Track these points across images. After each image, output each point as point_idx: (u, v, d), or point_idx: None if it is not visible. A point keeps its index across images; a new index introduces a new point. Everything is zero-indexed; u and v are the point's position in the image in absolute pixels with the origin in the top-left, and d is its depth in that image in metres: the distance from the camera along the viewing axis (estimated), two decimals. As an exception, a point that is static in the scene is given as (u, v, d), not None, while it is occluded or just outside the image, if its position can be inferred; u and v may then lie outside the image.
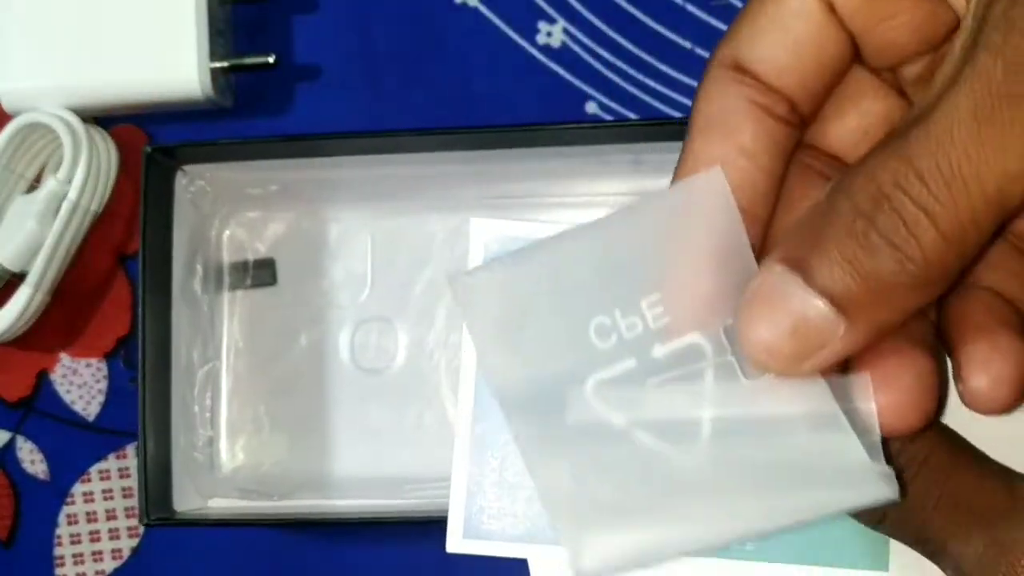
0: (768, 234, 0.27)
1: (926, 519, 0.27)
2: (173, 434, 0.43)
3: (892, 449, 0.27)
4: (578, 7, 0.48)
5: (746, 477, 0.26)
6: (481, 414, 0.31)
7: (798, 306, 0.24)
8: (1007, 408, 0.26)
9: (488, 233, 0.31)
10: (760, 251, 0.26)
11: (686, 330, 0.26)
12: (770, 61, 0.26)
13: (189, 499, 0.44)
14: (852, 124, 0.29)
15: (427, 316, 0.46)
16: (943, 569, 0.27)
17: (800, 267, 0.24)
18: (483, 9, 0.48)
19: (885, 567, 0.30)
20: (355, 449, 0.46)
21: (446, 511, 0.41)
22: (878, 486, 0.25)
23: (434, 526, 0.46)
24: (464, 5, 0.49)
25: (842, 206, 0.23)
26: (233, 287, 0.46)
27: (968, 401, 0.26)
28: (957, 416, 0.29)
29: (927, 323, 0.27)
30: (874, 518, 0.28)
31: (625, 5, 0.48)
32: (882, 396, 0.26)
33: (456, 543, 0.31)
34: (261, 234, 0.46)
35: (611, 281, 0.26)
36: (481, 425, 0.31)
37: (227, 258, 0.46)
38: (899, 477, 0.26)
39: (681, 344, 0.26)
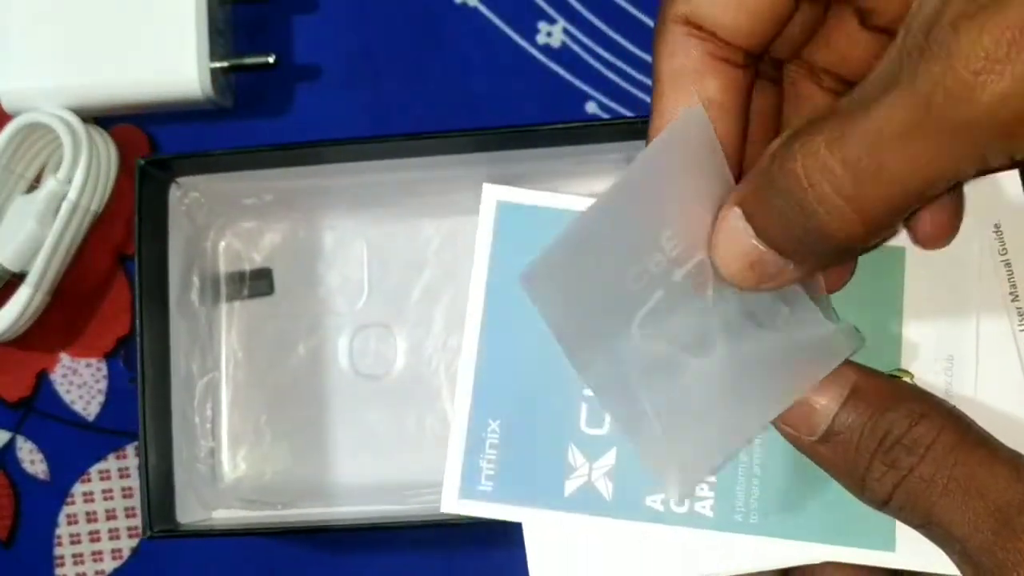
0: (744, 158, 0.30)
1: (932, 503, 0.27)
2: (175, 446, 0.43)
3: (897, 432, 0.27)
4: (578, 7, 0.48)
5: (758, 369, 0.28)
6: (483, 375, 0.31)
7: (749, 248, 0.26)
8: (947, 242, 0.29)
9: (499, 199, 0.32)
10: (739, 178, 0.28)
11: (694, 252, 0.28)
12: (720, 16, 0.28)
13: (192, 510, 0.44)
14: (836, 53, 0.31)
15: (425, 321, 0.46)
16: (949, 554, 0.27)
17: (751, 219, 0.26)
18: (483, 9, 0.48)
19: (892, 547, 0.30)
20: (356, 456, 0.46)
21: (447, 517, 0.42)
22: (846, 341, 0.28)
23: (436, 531, 0.46)
24: (464, 5, 0.48)
25: (781, 174, 0.25)
26: (230, 298, 0.46)
27: (918, 240, 0.29)
28: (966, 401, 0.29)
29: None
30: (879, 500, 0.28)
31: (625, 5, 0.48)
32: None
33: (451, 504, 0.31)
34: (257, 244, 0.46)
35: (636, 233, 0.28)
36: (483, 386, 0.31)
37: (223, 269, 0.46)
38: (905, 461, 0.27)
39: (692, 264, 0.28)
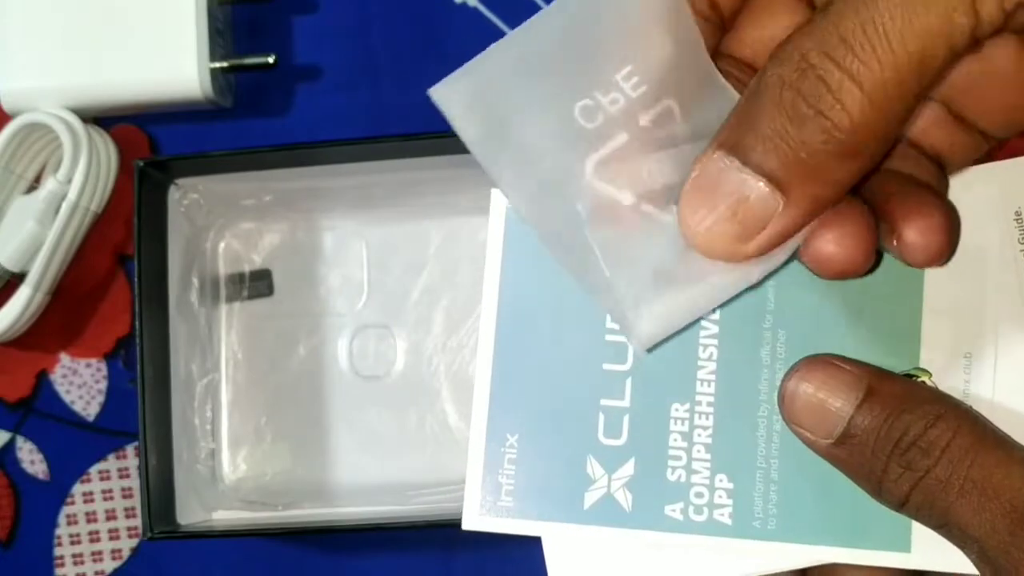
0: None
1: (949, 505, 0.27)
2: (175, 447, 0.43)
3: (914, 433, 0.27)
4: (579, 8, 0.48)
5: None
6: (499, 391, 0.31)
7: (736, 188, 0.24)
8: (942, 256, 0.27)
9: (509, 206, 0.31)
10: None
11: (662, 97, 0.27)
12: None
13: (193, 512, 0.44)
14: (767, 33, 0.29)
15: (425, 321, 0.46)
16: (967, 554, 0.27)
17: (735, 150, 0.24)
18: (483, 9, 0.48)
19: (907, 547, 0.30)
20: (357, 456, 0.46)
21: (449, 516, 0.42)
22: None
23: (438, 531, 0.46)
24: (464, 5, 0.48)
25: (770, 80, 0.24)
26: (230, 299, 0.46)
27: (906, 255, 0.27)
28: (984, 400, 0.30)
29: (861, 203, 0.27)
30: (897, 501, 0.28)
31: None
32: (828, 239, 0.26)
33: (472, 520, 0.31)
34: (256, 245, 0.46)
35: (583, 64, 0.27)
36: (499, 400, 0.31)
37: (223, 270, 0.46)
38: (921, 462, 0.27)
39: (660, 108, 0.27)
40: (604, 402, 0.30)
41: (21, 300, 0.46)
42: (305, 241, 0.46)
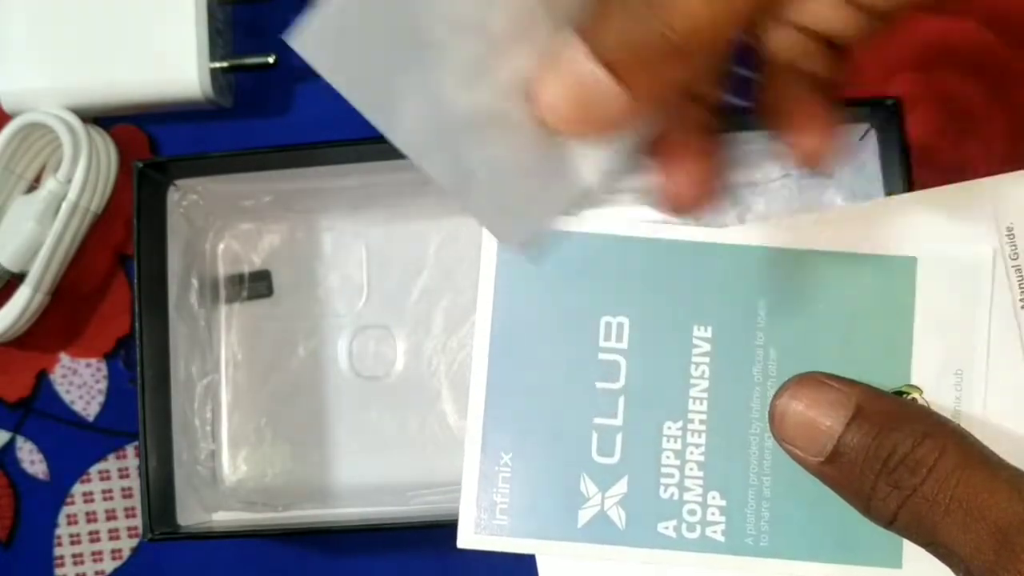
0: None
1: (936, 523, 0.27)
2: (175, 448, 0.44)
3: (902, 452, 0.27)
4: (579, 8, 0.48)
5: None
6: (492, 409, 0.31)
7: (579, 70, 0.24)
8: (825, 163, 0.27)
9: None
10: None
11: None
12: None
13: (193, 513, 0.44)
14: None
15: (424, 322, 0.46)
16: (955, 572, 0.27)
17: (585, 35, 0.24)
18: (484, 9, 0.48)
19: (898, 564, 0.30)
20: (357, 457, 0.46)
21: (449, 516, 0.41)
22: None
23: (437, 531, 0.46)
24: (465, 5, 0.48)
25: None
26: (230, 300, 0.46)
27: (804, 162, 0.27)
28: (975, 419, 0.30)
29: (703, 111, 0.27)
30: (885, 519, 0.28)
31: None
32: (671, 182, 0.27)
33: (467, 539, 0.31)
34: (256, 246, 0.46)
35: None
36: (493, 419, 0.31)
37: (223, 271, 0.46)
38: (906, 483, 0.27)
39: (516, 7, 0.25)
40: (597, 420, 0.31)
41: (21, 300, 0.46)
42: (305, 242, 0.46)
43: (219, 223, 0.46)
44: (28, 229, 0.46)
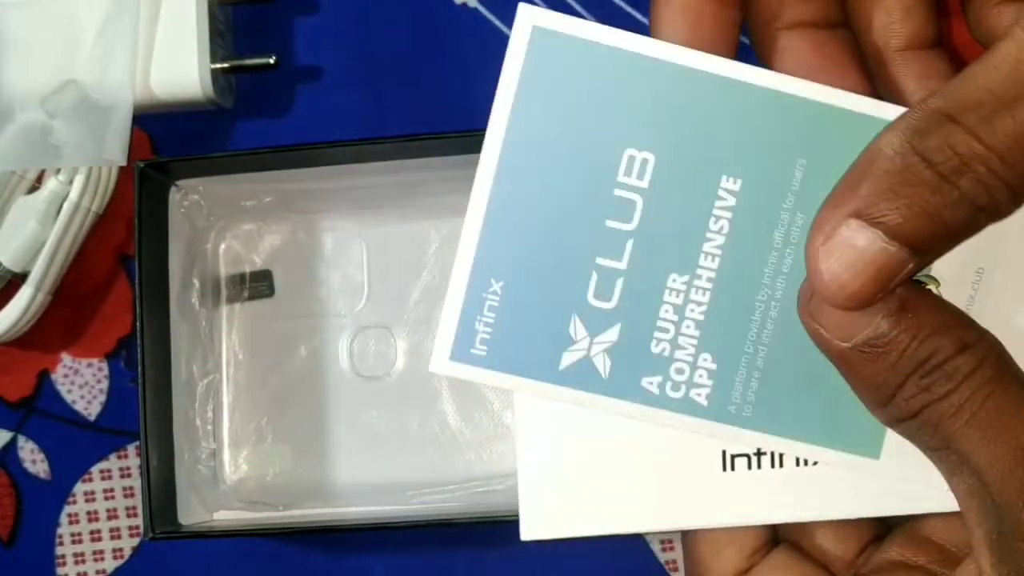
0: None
1: (956, 430, 0.27)
2: (176, 448, 0.44)
3: (942, 356, 0.27)
4: (577, 7, 0.48)
5: None
6: (491, 230, 0.29)
7: (879, 255, 0.25)
8: None
9: (536, 24, 0.29)
10: None
11: None
12: None
13: (194, 512, 0.44)
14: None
15: (425, 322, 0.46)
16: (955, 482, 0.27)
17: (879, 221, 0.25)
18: (483, 10, 0.48)
19: (877, 455, 0.29)
20: (357, 456, 0.46)
21: (450, 515, 0.42)
22: None
23: (438, 531, 0.46)
24: (464, 6, 0.48)
25: (916, 162, 0.25)
26: (231, 300, 0.46)
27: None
28: (987, 316, 0.29)
29: None
30: (903, 416, 0.27)
31: (624, 6, 0.48)
32: None
33: (441, 365, 0.29)
34: (257, 246, 0.46)
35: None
36: (489, 241, 0.29)
37: (224, 271, 0.46)
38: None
39: None
40: (600, 261, 0.29)
41: (23, 300, 0.46)
42: (306, 242, 0.46)
43: (220, 223, 0.46)
44: (30, 229, 0.46)
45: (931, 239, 0.25)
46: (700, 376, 0.29)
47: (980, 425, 0.26)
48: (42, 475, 0.49)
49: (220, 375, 0.46)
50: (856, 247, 0.26)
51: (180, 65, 0.45)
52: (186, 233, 0.45)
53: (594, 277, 0.29)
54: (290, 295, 0.46)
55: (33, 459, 0.49)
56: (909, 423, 0.27)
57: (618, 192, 0.29)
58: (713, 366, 0.29)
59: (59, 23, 0.46)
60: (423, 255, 0.46)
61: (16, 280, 0.46)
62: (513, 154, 0.29)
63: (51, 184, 0.46)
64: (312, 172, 0.44)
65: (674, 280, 0.29)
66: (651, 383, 0.29)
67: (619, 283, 0.29)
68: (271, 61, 0.47)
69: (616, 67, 0.28)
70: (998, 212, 0.25)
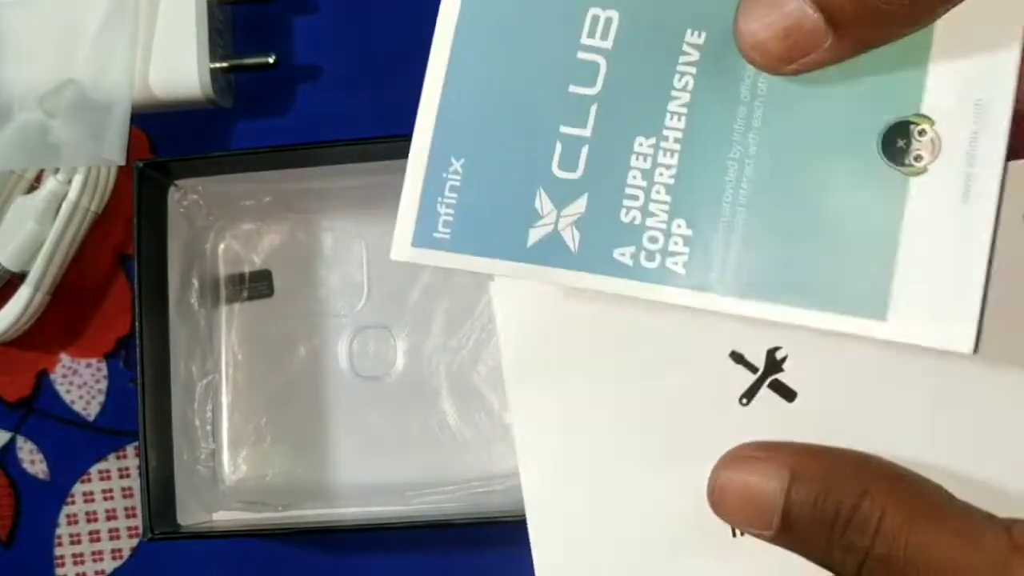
0: None
1: None
2: (175, 448, 0.43)
3: (845, 514, 0.27)
4: (579, 8, 0.48)
5: None
6: (448, 106, 0.27)
7: (793, 12, 0.25)
8: None
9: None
10: None
11: None
12: None
13: (193, 512, 0.44)
14: None
15: (424, 322, 0.46)
16: None
17: None
18: (484, 10, 0.48)
19: (883, 315, 0.27)
20: (357, 457, 0.46)
21: (450, 516, 0.42)
22: None
23: (437, 531, 0.46)
24: (465, 5, 0.48)
25: None
26: (230, 300, 0.46)
27: None
28: (990, 154, 0.27)
29: None
30: (852, 573, 0.27)
31: (626, 6, 0.48)
32: None
33: (403, 251, 0.28)
34: (256, 246, 0.46)
35: None
36: (447, 117, 0.28)
37: (223, 271, 0.46)
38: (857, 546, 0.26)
39: None
40: (564, 129, 0.27)
41: (21, 300, 0.46)
42: (305, 242, 0.46)
43: (220, 223, 0.46)
44: (28, 229, 0.46)
45: (849, 13, 0.24)
46: (675, 243, 0.27)
47: (913, 573, 0.26)
48: (41, 475, 0.49)
49: (219, 375, 0.46)
50: (777, 3, 0.25)
51: (179, 64, 0.45)
52: (185, 233, 0.45)
53: (558, 147, 0.27)
54: (289, 295, 0.46)
55: (32, 459, 0.49)
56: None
57: (581, 55, 0.27)
58: (688, 232, 0.27)
59: (58, 22, 0.46)
60: (423, 255, 0.46)
61: (15, 280, 0.46)
62: (470, 20, 0.27)
63: (50, 184, 0.46)
64: (312, 172, 0.44)
65: (640, 144, 0.27)
66: (623, 254, 0.27)
67: (584, 151, 0.27)
68: (270, 61, 0.47)
69: None
70: (915, 12, 0.24)
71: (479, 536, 0.47)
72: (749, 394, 0.30)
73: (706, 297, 0.27)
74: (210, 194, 0.45)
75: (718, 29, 0.27)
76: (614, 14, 0.27)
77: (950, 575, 0.26)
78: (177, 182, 0.44)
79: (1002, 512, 0.27)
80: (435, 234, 0.28)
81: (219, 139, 0.48)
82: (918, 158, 0.27)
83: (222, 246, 0.46)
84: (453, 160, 0.27)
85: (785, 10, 0.25)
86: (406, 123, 0.48)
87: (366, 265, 0.46)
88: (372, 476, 0.45)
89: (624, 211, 0.27)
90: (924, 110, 0.27)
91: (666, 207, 0.27)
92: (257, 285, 0.46)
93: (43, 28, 0.46)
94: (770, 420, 0.30)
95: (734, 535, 0.30)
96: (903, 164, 0.27)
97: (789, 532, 0.27)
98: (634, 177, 0.27)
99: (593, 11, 0.27)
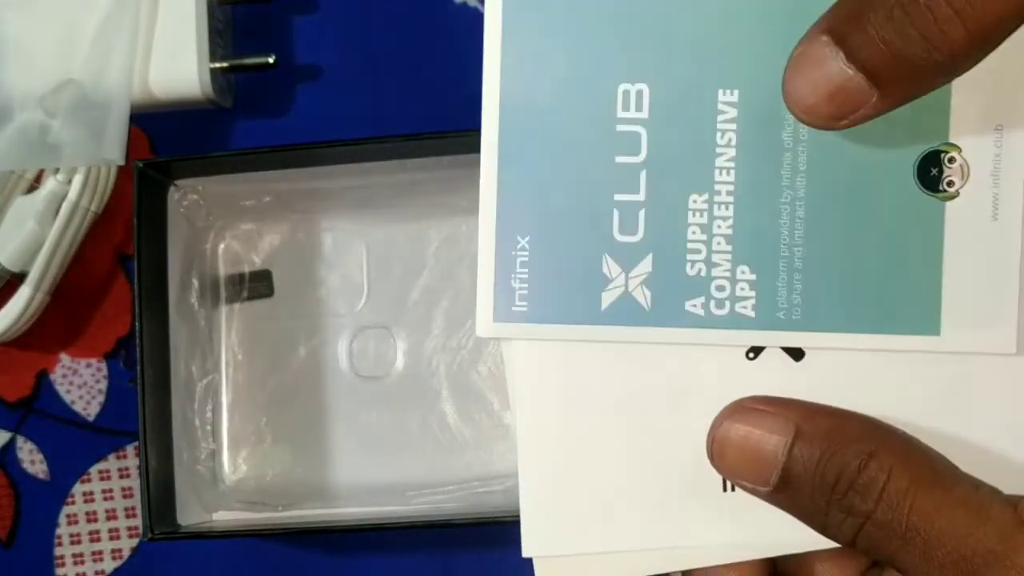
0: None
1: (895, 550, 0.26)
2: (175, 449, 0.43)
3: (849, 474, 0.27)
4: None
5: None
6: (506, 189, 0.29)
7: (837, 75, 0.25)
8: None
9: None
10: None
11: None
12: None
13: (193, 512, 0.44)
14: None
15: (424, 322, 0.46)
16: None
17: (843, 43, 0.25)
18: (483, 9, 0.48)
19: (936, 331, 0.29)
20: (357, 457, 0.46)
21: (450, 516, 0.42)
22: None
23: (437, 531, 0.46)
24: (464, 5, 0.48)
25: None
26: (230, 300, 0.46)
27: None
28: (1014, 176, 0.29)
29: None
30: (844, 543, 0.27)
31: (626, 6, 0.48)
32: None
33: (487, 327, 0.29)
34: (256, 246, 0.46)
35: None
36: (506, 201, 0.29)
37: (223, 271, 0.46)
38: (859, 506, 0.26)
39: None
40: (618, 197, 0.29)
41: (21, 300, 0.46)
42: (305, 242, 0.46)
43: (219, 223, 0.46)
44: (28, 229, 0.46)
45: (889, 72, 0.25)
46: (742, 289, 0.29)
47: (914, 541, 0.26)
48: (41, 476, 0.49)
49: (219, 375, 0.46)
50: (818, 62, 0.26)
51: (179, 64, 0.45)
52: (185, 233, 0.45)
53: (616, 214, 0.29)
54: (289, 295, 0.46)
55: (32, 459, 0.49)
56: (855, 548, 0.27)
57: (620, 128, 0.29)
58: (752, 276, 0.29)
59: (58, 23, 0.46)
60: (423, 255, 0.46)
61: (15, 280, 0.46)
62: (512, 109, 0.29)
63: (50, 184, 0.46)
64: (312, 172, 0.44)
65: (695, 200, 0.29)
66: (695, 305, 0.29)
67: (641, 214, 0.29)
68: (270, 60, 0.46)
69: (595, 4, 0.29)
70: (954, 57, 0.25)
71: (479, 536, 0.47)
72: (757, 348, 0.30)
73: (776, 335, 0.29)
74: (210, 194, 0.45)
75: (749, 85, 0.29)
76: (644, 87, 0.29)
77: (953, 544, 0.26)
78: (177, 182, 0.44)
79: (1008, 489, 0.27)
80: (514, 308, 0.29)
81: (219, 139, 0.48)
82: (951, 183, 0.29)
83: (222, 246, 0.46)
84: (519, 238, 0.29)
85: (829, 73, 0.25)
86: (406, 123, 0.48)
87: (366, 265, 0.46)
88: (372, 476, 0.45)
89: (689, 265, 0.29)
90: (952, 138, 0.29)
91: (728, 256, 0.29)
92: (257, 285, 0.46)
93: (43, 28, 0.46)
94: (775, 377, 0.30)
95: (724, 490, 0.30)
96: (937, 190, 0.29)
97: (787, 489, 0.27)
98: (694, 232, 0.29)
99: (623, 87, 0.29)
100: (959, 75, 0.26)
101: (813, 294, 0.29)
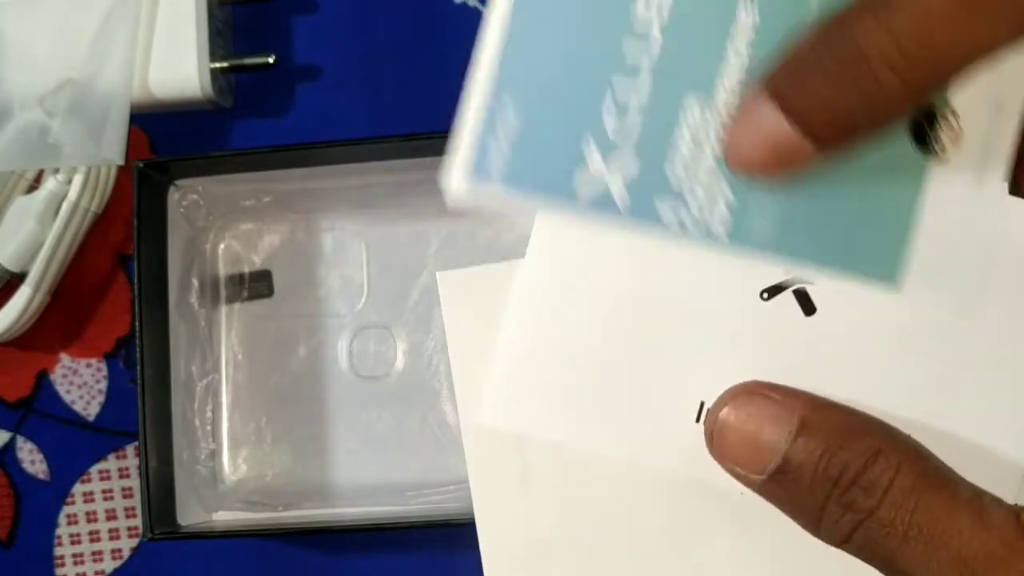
0: None
1: (894, 550, 0.26)
2: (175, 448, 0.44)
3: (854, 470, 0.26)
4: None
5: None
6: (512, 40, 0.27)
7: (774, 129, 0.26)
8: None
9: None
10: None
11: None
12: None
13: (193, 512, 0.44)
14: None
15: (424, 322, 0.46)
16: None
17: (779, 97, 0.25)
18: (483, 10, 0.48)
19: (893, 280, 0.28)
20: (357, 457, 0.46)
21: (450, 516, 0.42)
22: None
23: (437, 531, 0.46)
24: (464, 5, 0.48)
25: (822, 50, 0.25)
26: (230, 300, 0.46)
27: None
28: (999, 148, 0.29)
29: None
30: (837, 541, 0.27)
31: (626, 6, 0.48)
32: None
33: (458, 184, 0.27)
34: (256, 246, 0.46)
35: None
36: (506, 59, 0.27)
37: (223, 271, 0.46)
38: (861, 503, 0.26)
39: None
40: (616, 79, 0.28)
41: (21, 300, 0.46)
42: (305, 242, 0.46)
43: (219, 223, 0.46)
44: (28, 229, 0.46)
45: (827, 128, 0.25)
46: (718, 200, 0.28)
47: (915, 541, 0.26)
48: (41, 476, 0.49)
49: (219, 375, 0.46)
50: (759, 120, 0.26)
51: (179, 64, 0.45)
52: (185, 233, 0.45)
53: (610, 97, 0.28)
54: (289, 295, 0.46)
55: (32, 460, 0.49)
56: (848, 546, 0.27)
57: (639, 9, 0.28)
58: (730, 194, 0.28)
59: (58, 22, 0.46)
60: (423, 255, 0.46)
61: (15, 280, 0.46)
62: None
63: (50, 184, 0.46)
64: (311, 172, 0.44)
65: (691, 102, 0.28)
66: (669, 209, 0.28)
67: (634, 103, 0.28)
68: (270, 60, 0.47)
69: None
70: (891, 112, 0.25)
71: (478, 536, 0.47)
72: (773, 291, 0.30)
73: (744, 251, 0.28)
74: (210, 194, 0.45)
75: (768, 4, 0.28)
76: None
77: (956, 545, 0.26)
78: (177, 182, 0.44)
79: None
80: (490, 167, 0.27)
81: (219, 139, 0.48)
82: (942, 147, 0.29)
83: (222, 246, 0.46)
84: (508, 99, 0.27)
85: (766, 128, 0.26)
86: (406, 123, 0.48)
87: (366, 265, 0.46)
88: (372, 476, 0.45)
89: (670, 166, 0.28)
90: (952, 104, 0.28)
91: (712, 163, 0.28)
92: (257, 285, 0.46)
93: (43, 28, 0.46)
94: (782, 326, 0.30)
95: (697, 421, 0.30)
96: (928, 150, 0.29)
97: (783, 480, 0.27)
98: (682, 133, 0.28)
99: None
100: (897, 121, 0.26)
101: (787, 217, 0.28)
